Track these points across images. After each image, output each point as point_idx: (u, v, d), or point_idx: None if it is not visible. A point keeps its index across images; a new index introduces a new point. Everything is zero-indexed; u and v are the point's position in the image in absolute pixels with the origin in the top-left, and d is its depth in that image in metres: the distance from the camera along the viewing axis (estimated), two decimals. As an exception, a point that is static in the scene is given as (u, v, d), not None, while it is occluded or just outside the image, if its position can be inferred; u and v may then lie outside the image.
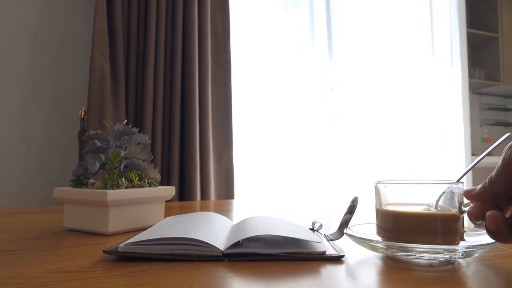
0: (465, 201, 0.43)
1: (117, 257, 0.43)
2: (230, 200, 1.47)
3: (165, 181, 1.47)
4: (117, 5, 1.45)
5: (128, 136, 0.62)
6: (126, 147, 0.62)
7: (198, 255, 0.41)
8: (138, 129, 0.62)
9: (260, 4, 1.92)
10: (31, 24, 1.51)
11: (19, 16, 1.50)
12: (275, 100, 1.91)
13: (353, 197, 0.52)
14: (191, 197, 1.46)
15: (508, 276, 0.36)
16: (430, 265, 0.40)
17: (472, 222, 0.41)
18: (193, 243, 0.41)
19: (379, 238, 0.46)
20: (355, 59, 2.12)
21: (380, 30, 2.21)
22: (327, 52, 2.03)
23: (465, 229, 0.48)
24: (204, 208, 1.06)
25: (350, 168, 2.07)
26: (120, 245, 0.42)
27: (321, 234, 0.55)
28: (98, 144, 0.59)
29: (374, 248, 0.43)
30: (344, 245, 0.50)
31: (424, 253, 0.40)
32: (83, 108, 1.47)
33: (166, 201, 1.40)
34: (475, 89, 3.20)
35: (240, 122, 1.82)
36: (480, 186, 0.41)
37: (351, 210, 0.51)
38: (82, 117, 1.51)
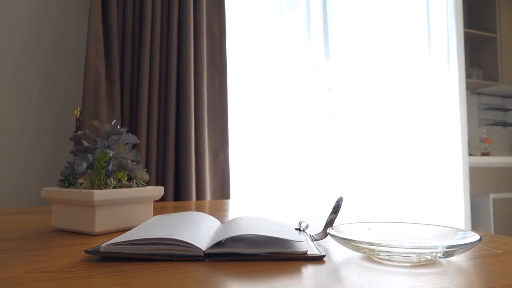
0: None
1: (101, 257, 0.43)
2: (226, 200, 1.47)
3: (160, 181, 1.48)
4: (112, 4, 1.45)
5: (116, 136, 0.62)
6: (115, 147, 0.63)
7: (179, 255, 0.41)
8: (126, 129, 0.62)
9: (256, 4, 1.92)
10: (25, 23, 1.52)
11: (13, 16, 1.50)
12: (272, 100, 1.91)
13: (338, 197, 0.52)
14: (186, 197, 1.46)
15: (487, 275, 0.36)
16: (412, 265, 0.40)
17: None
18: (175, 243, 0.41)
19: (362, 238, 0.46)
20: (351, 59, 2.12)
21: (377, 31, 2.21)
22: (323, 52, 2.03)
23: (448, 228, 0.48)
24: (199, 208, 1.06)
25: (346, 168, 2.07)
26: (102, 245, 0.42)
27: (307, 234, 0.55)
28: (86, 144, 0.59)
29: (357, 249, 0.43)
30: (330, 245, 0.50)
31: (406, 253, 0.40)
32: (78, 108, 1.47)
33: (161, 201, 1.41)
34: (473, 89, 3.19)
35: (237, 122, 1.82)
36: None
37: (336, 210, 0.51)
38: (77, 117, 1.51)
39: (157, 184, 1.48)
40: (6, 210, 0.95)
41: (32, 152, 1.50)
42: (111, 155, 0.61)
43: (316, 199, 1.96)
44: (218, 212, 0.96)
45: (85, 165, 0.57)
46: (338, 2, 2.10)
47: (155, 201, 1.42)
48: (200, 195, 1.51)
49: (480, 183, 2.60)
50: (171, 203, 1.31)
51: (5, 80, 1.48)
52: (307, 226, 0.57)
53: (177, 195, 1.50)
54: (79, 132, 0.61)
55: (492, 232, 2.60)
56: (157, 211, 0.96)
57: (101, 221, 0.57)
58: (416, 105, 2.30)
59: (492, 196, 2.66)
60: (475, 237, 0.42)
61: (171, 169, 1.46)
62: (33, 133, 1.50)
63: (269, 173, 1.88)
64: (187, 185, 1.46)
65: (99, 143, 0.60)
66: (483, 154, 3.06)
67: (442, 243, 0.43)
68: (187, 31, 1.52)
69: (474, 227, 2.72)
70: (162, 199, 1.46)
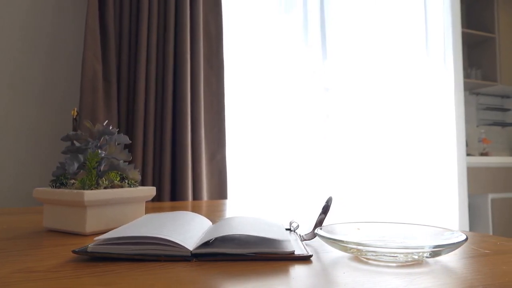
0: None
1: (89, 257, 0.43)
2: (223, 200, 1.47)
3: (157, 181, 1.48)
4: (109, 4, 1.45)
5: (108, 136, 0.63)
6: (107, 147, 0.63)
7: (166, 255, 0.42)
8: (117, 129, 0.62)
9: (254, 4, 1.92)
10: (22, 22, 1.52)
11: (10, 15, 1.50)
12: (269, 100, 1.91)
13: (327, 197, 0.52)
14: (183, 197, 1.46)
15: (472, 275, 0.36)
16: (399, 265, 0.40)
17: None
18: (162, 242, 0.42)
19: (349, 238, 0.46)
20: (349, 59, 2.12)
21: (374, 31, 2.21)
22: (321, 52, 2.03)
23: (437, 228, 0.48)
24: (195, 208, 1.07)
25: (343, 169, 2.07)
26: (89, 245, 0.42)
27: (297, 234, 0.55)
28: (77, 144, 0.59)
29: (344, 249, 0.43)
30: (321, 245, 0.50)
31: (392, 253, 0.40)
32: (75, 109, 1.47)
33: (158, 201, 1.41)
34: (472, 89, 3.19)
35: (234, 122, 1.82)
36: None
37: (326, 210, 0.51)
38: (74, 117, 1.52)
39: (153, 184, 1.48)
40: (1, 210, 0.95)
41: (30, 152, 1.50)
42: (103, 155, 0.61)
43: (313, 199, 1.97)
44: (214, 212, 0.97)
45: (76, 165, 0.57)
46: (336, 2, 2.10)
47: (152, 201, 1.42)
48: (197, 195, 1.51)
49: (479, 183, 2.60)
50: (167, 203, 1.31)
51: (3, 80, 1.48)
52: (298, 226, 0.57)
53: (174, 195, 1.50)
54: (71, 132, 0.61)
55: (491, 232, 2.60)
56: (154, 211, 0.96)
57: (92, 221, 0.57)
58: (413, 105, 2.30)
59: (490, 196, 2.66)
60: (462, 237, 0.42)
61: (168, 169, 1.46)
62: (30, 133, 1.51)
63: (266, 173, 1.88)
64: (183, 185, 1.46)
65: (90, 143, 0.60)
66: (482, 154, 3.06)
67: (429, 243, 0.43)
68: (183, 31, 1.52)
69: (473, 227, 2.72)
70: (159, 199, 1.46)
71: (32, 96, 1.52)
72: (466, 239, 0.41)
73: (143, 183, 1.45)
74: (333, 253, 0.46)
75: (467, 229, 2.40)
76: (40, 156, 1.51)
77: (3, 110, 1.48)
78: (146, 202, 1.31)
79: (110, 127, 0.64)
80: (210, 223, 0.59)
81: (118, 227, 0.60)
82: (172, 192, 1.50)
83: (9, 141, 1.48)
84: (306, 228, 0.66)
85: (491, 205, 2.64)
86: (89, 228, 0.56)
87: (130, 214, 0.62)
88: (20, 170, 1.48)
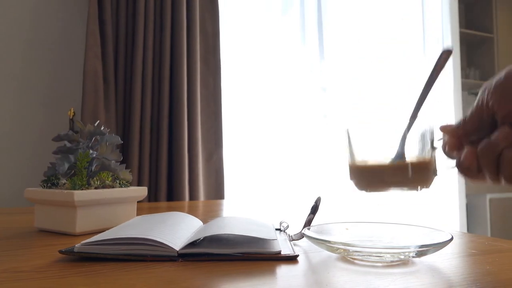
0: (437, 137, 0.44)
1: (76, 257, 0.44)
2: (219, 201, 1.48)
3: (153, 181, 1.48)
4: (106, 5, 1.45)
5: (99, 136, 0.63)
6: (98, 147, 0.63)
7: (152, 255, 0.42)
8: (108, 129, 0.62)
9: (251, 4, 1.92)
10: (26, 25, 1.52)
11: (14, 18, 1.50)
12: (266, 100, 1.91)
13: (316, 197, 0.53)
14: (180, 198, 1.46)
15: (454, 275, 0.36)
16: (384, 265, 0.40)
17: (445, 154, 0.42)
18: (148, 243, 0.42)
19: (336, 239, 0.46)
20: (346, 59, 2.12)
21: (372, 31, 2.21)
22: (318, 52, 2.03)
23: (426, 228, 0.49)
24: (192, 208, 1.07)
25: (341, 168, 2.07)
26: (76, 245, 0.42)
27: (287, 234, 0.55)
28: (68, 145, 0.60)
29: (331, 249, 0.44)
30: (310, 246, 0.50)
31: (378, 253, 0.41)
32: (72, 109, 1.47)
33: (154, 202, 1.41)
34: (470, 89, 3.19)
35: (231, 122, 1.82)
36: (454, 124, 0.41)
37: (314, 210, 0.51)
38: (71, 117, 1.51)
39: (150, 184, 1.48)
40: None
41: (29, 153, 1.50)
42: (94, 155, 0.61)
43: (311, 199, 1.96)
44: (210, 212, 0.97)
45: (66, 165, 0.57)
46: (333, 2, 2.10)
47: (148, 202, 1.42)
48: (193, 196, 1.51)
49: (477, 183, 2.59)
50: (163, 203, 1.31)
51: (5, 82, 1.48)
52: (288, 226, 0.57)
53: (170, 195, 1.50)
54: (62, 132, 0.61)
55: (489, 232, 2.60)
56: (149, 211, 0.96)
57: (82, 222, 0.57)
58: (412, 105, 2.30)
59: (488, 196, 2.66)
60: (448, 236, 0.42)
61: (164, 169, 1.46)
62: (30, 133, 1.51)
63: (263, 173, 1.88)
64: (180, 186, 1.46)
65: (81, 143, 0.60)
66: (480, 154, 3.05)
67: (415, 243, 0.43)
68: (179, 31, 1.52)
69: (471, 227, 2.72)
70: (155, 199, 1.46)
71: (33, 97, 1.52)
72: (452, 239, 0.41)
73: (139, 183, 1.45)
74: (321, 253, 0.46)
75: (465, 229, 2.40)
76: (40, 156, 1.51)
77: (5, 111, 1.48)
78: (142, 202, 1.31)
79: (102, 128, 0.64)
80: (201, 223, 0.59)
81: (109, 227, 0.61)
82: (168, 192, 1.50)
83: (9, 142, 1.48)
84: (297, 228, 0.66)
85: (489, 205, 2.64)
86: (79, 228, 0.56)
87: (121, 214, 0.62)
88: (20, 170, 1.48)
